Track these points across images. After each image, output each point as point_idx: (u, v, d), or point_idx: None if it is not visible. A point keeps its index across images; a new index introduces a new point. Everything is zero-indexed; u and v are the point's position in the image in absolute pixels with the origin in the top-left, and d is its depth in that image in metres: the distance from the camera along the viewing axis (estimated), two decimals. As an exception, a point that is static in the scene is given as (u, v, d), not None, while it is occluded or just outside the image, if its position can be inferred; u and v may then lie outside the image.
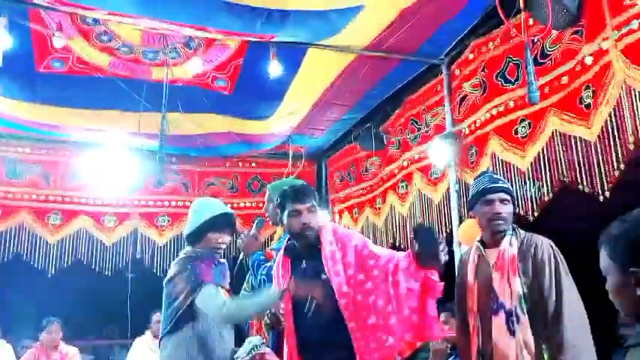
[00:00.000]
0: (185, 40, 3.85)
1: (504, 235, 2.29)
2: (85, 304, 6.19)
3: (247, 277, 2.96)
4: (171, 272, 2.52)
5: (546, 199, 3.44)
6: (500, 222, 2.26)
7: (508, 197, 2.32)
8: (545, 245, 2.23)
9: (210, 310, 2.35)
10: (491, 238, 2.32)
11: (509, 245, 2.24)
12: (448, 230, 4.41)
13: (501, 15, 2.96)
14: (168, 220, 6.28)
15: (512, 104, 3.72)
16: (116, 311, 6.12)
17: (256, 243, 2.91)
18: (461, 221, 4.20)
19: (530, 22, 3.37)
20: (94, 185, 5.78)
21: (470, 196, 2.37)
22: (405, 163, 5.06)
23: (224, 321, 2.41)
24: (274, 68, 3.91)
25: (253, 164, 6.73)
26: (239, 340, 2.50)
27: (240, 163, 6.67)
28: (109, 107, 4.55)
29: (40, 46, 3.71)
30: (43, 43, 3.72)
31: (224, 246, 2.52)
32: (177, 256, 6.04)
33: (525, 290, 2.16)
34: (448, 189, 4.44)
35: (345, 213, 6.19)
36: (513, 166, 3.67)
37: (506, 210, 2.30)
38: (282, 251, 2.60)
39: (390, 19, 3.56)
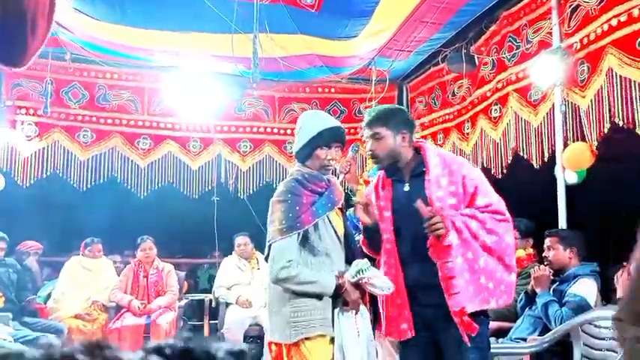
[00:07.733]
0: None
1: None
2: (175, 225, 6.47)
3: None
4: (276, 192, 2.40)
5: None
6: None
7: None
8: None
9: (270, 265, 2.28)
10: None
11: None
12: (549, 155, 4.15)
13: None
14: (250, 146, 6.33)
15: (636, 12, 3.32)
16: (203, 232, 6.36)
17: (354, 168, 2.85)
18: (565, 145, 3.92)
19: None
20: (179, 110, 5.87)
21: None
22: (500, 85, 4.74)
23: (274, 282, 2.28)
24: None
25: (332, 90, 6.59)
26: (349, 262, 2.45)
27: (320, 89, 6.56)
28: (197, 30, 4.47)
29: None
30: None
31: (333, 163, 2.35)
32: (260, 181, 6.30)
33: None
34: (550, 111, 4.13)
35: (429, 139, 5.97)
36: (634, 83, 3.32)
37: None
38: (382, 172, 2.51)
39: None
